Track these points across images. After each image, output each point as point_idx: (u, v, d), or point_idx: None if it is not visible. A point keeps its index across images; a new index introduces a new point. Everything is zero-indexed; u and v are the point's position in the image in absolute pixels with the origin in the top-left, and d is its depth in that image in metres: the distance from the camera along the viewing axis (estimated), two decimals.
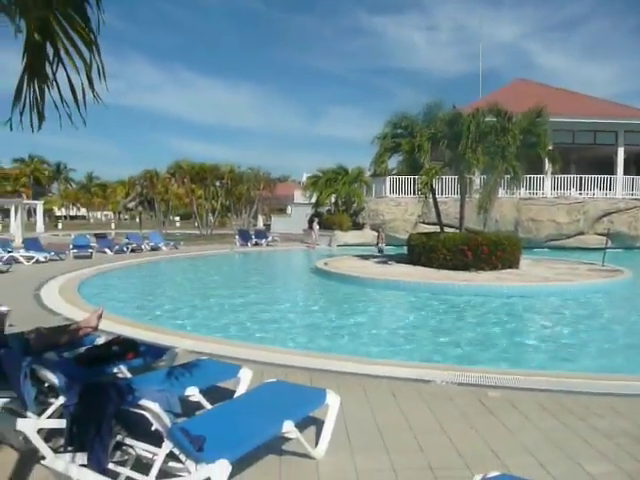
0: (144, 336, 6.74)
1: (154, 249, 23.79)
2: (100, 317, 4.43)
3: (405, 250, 17.50)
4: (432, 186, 15.93)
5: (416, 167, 16.51)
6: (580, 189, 27.38)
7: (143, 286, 15.86)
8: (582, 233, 25.66)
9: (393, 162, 26.20)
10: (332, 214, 30.26)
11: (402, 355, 7.25)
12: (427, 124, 15.66)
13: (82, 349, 4.71)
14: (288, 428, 3.37)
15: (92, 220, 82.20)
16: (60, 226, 55.79)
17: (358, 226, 28.46)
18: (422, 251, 15.67)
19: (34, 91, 2.11)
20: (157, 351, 5.19)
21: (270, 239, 29.12)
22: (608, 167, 29.87)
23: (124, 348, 4.81)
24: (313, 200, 32.87)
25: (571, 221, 25.56)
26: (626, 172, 29.87)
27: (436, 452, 3.80)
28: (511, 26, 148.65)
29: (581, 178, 27.60)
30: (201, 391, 4.09)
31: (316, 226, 27.49)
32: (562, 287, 12.43)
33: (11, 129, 2.07)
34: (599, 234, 24.96)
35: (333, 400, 3.91)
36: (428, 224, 24.76)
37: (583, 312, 10.88)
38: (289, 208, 49.94)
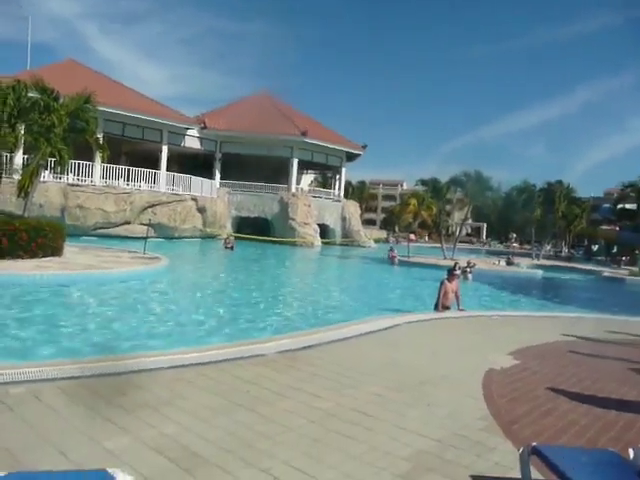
0: None
1: None
2: None
3: None
4: None
5: None
6: (128, 180, 28.52)
7: None
8: (128, 222, 26.81)
9: None
10: None
11: None
12: None
13: None
14: None
15: None
16: None
17: None
18: None
19: None
20: None
21: None
22: (155, 162, 32.22)
23: None
24: None
25: (118, 210, 26.35)
26: (169, 168, 32.90)
27: None
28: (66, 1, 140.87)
29: (129, 170, 28.77)
30: None
31: None
32: (104, 274, 12.63)
33: None
34: (143, 224, 26.67)
35: None
36: None
37: (122, 297, 11.35)
38: None
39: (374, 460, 3.75)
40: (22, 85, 13.72)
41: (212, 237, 32.17)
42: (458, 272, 12.24)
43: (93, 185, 26.63)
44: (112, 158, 24.45)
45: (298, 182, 40.61)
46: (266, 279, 17.68)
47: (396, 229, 66.05)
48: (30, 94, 14.07)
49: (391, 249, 28.40)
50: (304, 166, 42.31)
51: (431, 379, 5.93)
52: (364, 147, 42.06)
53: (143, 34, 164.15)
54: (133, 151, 35.36)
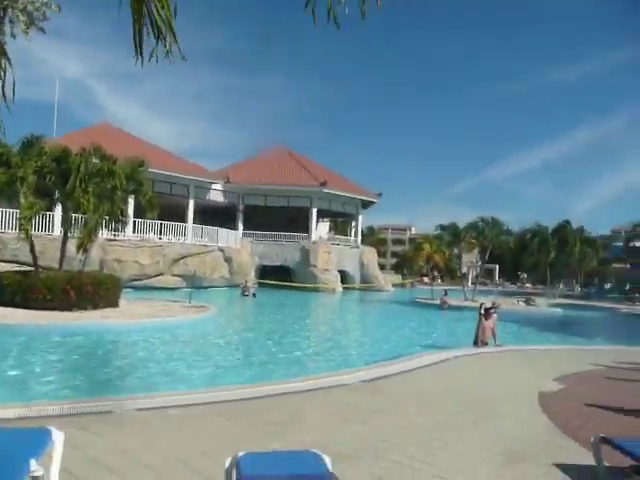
0: None
1: None
2: None
3: None
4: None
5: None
6: (160, 234, 29.98)
7: None
8: (162, 274, 28.09)
9: None
10: None
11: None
12: (29, 157, 14.72)
13: None
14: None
15: None
16: None
17: None
18: (17, 291, 14.43)
19: None
20: None
21: None
22: (182, 215, 33.77)
23: None
24: None
25: (152, 262, 27.67)
26: (195, 221, 34.43)
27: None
28: (77, 62, 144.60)
29: (161, 224, 30.24)
30: None
31: None
32: (168, 322, 13.86)
33: None
34: (175, 275, 28.16)
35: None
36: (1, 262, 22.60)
37: (196, 339, 12.64)
38: None
39: (475, 454, 4.81)
40: (88, 152, 15.29)
41: (237, 286, 33.26)
42: (493, 310, 13.28)
43: (128, 240, 28.03)
44: (142, 213, 25.97)
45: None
46: (336, 322, 18.72)
47: (405, 272, 67.17)
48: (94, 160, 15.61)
49: (445, 293, 28.37)
50: (321, 214, 43.80)
51: (495, 400, 6.97)
52: (379, 195, 43.67)
53: (150, 91, 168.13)
54: (160, 206, 36.89)
